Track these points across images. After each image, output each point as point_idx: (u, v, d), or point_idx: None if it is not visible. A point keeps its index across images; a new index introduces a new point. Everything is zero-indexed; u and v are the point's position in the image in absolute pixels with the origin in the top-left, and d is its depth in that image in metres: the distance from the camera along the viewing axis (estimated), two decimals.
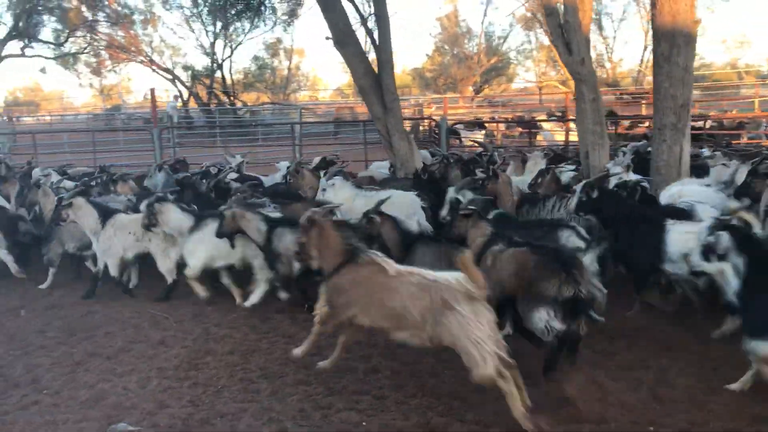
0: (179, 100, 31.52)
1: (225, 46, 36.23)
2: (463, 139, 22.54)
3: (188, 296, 6.99)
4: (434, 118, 21.55)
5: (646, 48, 36.94)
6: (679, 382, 4.75)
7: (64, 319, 6.64)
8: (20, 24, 28.67)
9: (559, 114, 22.96)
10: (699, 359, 5.11)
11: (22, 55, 29.96)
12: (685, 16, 7.30)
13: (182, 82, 37.91)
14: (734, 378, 4.63)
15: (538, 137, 20.69)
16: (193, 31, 35.72)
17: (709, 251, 4.91)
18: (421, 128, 24.52)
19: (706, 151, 9.81)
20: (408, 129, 29.33)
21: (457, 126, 24.35)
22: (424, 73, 69.31)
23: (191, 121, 30.22)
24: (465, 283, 3.99)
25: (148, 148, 14.71)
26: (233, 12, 33.52)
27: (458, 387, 4.77)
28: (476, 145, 20.87)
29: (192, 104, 37.04)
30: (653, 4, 7.54)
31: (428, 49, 71.83)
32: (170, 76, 37.41)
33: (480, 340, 3.97)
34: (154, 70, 37.42)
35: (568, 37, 7.68)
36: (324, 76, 71.39)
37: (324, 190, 7.62)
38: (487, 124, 24.43)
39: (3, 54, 28.44)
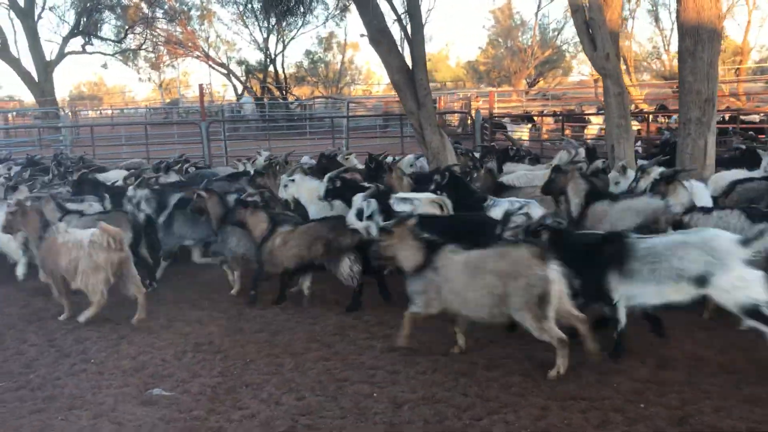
0: (252, 95, 32.37)
1: (278, 41, 36.99)
2: (509, 133, 22.54)
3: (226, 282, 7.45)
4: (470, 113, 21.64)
5: None
6: (678, 364, 4.96)
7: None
8: (82, 22, 29.90)
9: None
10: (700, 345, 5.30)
11: (83, 51, 31.25)
12: (709, 12, 7.40)
13: (237, 77, 38.94)
14: (733, 363, 4.85)
15: (587, 131, 20.66)
16: (247, 26, 36.54)
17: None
18: (468, 122, 24.68)
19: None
20: (456, 123, 29.57)
21: (504, 120, 24.45)
22: (477, 66, 69.01)
23: (244, 115, 31.00)
24: None
25: (199, 141, 15.35)
26: (285, 7, 34.21)
27: (468, 366, 5.08)
28: (521, 139, 21.05)
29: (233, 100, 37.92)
30: (678, 0, 7.65)
31: (482, 42, 71.54)
32: (225, 71, 38.44)
33: None
34: (210, 65, 38.54)
35: (593, 33, 7.85)
36: (378, 69, 71.54)
37: (285, 186, 8.19)
38: (536, 118, 24.40)
39: (66, 51, 29.74)
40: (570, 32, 45.26)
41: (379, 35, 9.41)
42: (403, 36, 9.95)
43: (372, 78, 71.90)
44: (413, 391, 4.70)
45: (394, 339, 5.47)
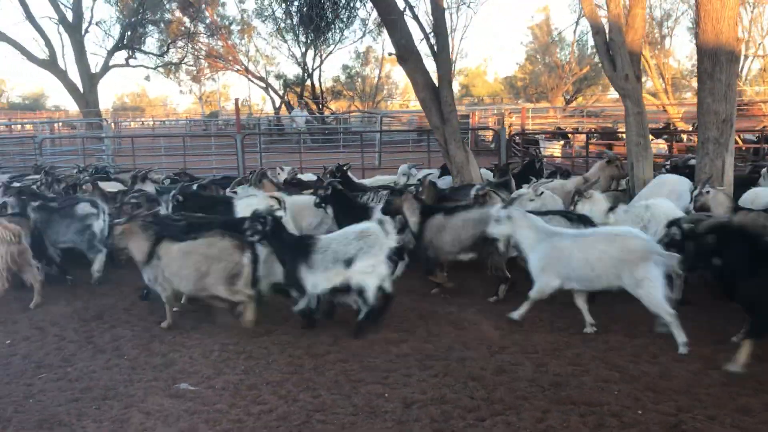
0: (305, 108, 33.04)
1: (315, 55, 37.64)
2: (541, 150, 22.64)
3: None
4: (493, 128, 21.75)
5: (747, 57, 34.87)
6: (677, 373, 5.15)
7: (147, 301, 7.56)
8: (126, 36, 30.95)
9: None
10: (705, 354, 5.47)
11: (127, 65, 32.29)
12: (727, 35, 7.57)
13: (275, 91, 39.68)
14: (731, 375, 5.03)
15: (616, 148, 20.71)
16: (285, 41, 37.25)
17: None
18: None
19: None
20: (489, 139, 29.70)
21: (537, 136, 24.55)
22: (515, 81, 68.94)
23: (282, 128, 31.60)
24: None
25: (235, 153, 15.82)
26: (324, 23, 34.82)
27: (478, 371, 5.34)
28: (553, 156, 21.18)
29: (283, 111, 38.57)
30: (697, 23, 7.83)
31: (520, 58, 71.57)
32: (264, 85, 39.24)
33: None
34: (249, 79, 39.37)
35: (612, 54, 8.07)
36: None
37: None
38: (570, 135, 24.45)
39: (110, 64, 30.79)
40: None
41: (406, 53, 9.75)
42: (429, 53, 10.24)
43: (409, 93, 72.53)
44: (423, 392, 4.97)
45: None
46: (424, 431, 4.36)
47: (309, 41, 36.31)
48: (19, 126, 36.38)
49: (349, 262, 6.06)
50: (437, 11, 9.53)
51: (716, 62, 7.73)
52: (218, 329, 6.56)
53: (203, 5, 35.74)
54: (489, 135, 30.75)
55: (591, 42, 46.05)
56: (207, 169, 15.12)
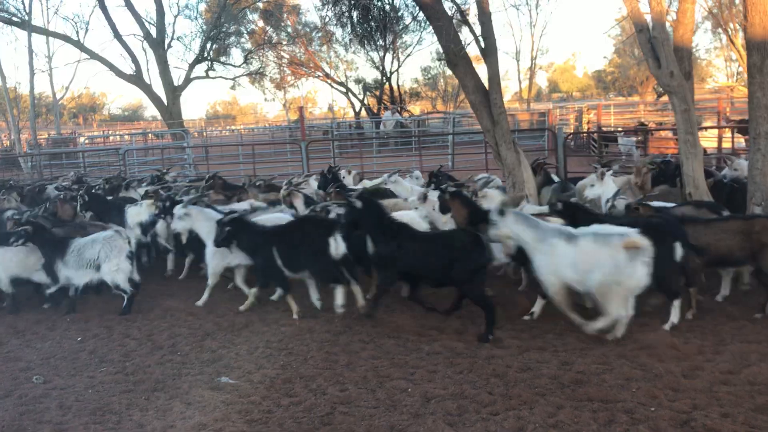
0: (396, 113, 33.66)
1: (393, 58, 38.05)
2: (620, 147, 22.14)
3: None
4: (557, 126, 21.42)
5: None
6: (702, 372, 5.15)
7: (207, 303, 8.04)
8: (206, 49, 32.35)
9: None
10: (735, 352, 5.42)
11: (207, 77, 33.73)
12: None
13: (354, 95, 40.41)
14: (757, 375, 4.99)
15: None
16: (363, 46, 37.80)
17: None
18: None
19: None
20: (570, 138, 29.24)
21: (618, 132, 24.00)
22: (604, 76, 67.27)
23: (362, 132, 32.18)
24: None
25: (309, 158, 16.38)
26: (400, 27, 35.21)
27: (503, 368, 5.50)
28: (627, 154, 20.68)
29: (363, 115, 39.19)
30: (745, 16, 7.66)
31: (608, 52, 69.93)
32: (344, 90, 40.04)
33: None
34: (330, 84, 40.26)
35: (657, 51, 7.99)
36: (502, 82, 71.67)
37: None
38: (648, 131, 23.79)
39: (191, 76, 32.25)
40: (704, 39, 43.05)
41: (455, 58, 9.90)
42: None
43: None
44: (444, 388, 5.18)
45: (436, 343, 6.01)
46: (436, 424, 4.56)
47: (387, 45, 36.74)
48: (117, 137, 38.72)
49: (97, 265, 7.62)
50: (483, 15, 9.64)
51: (765, 55, 7.56)
52: (266, 328, 6.97)
53: (285, 14, 36.91)
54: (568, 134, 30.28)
55: None
56: (272, 176, 15.69)
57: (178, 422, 4.89)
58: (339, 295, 7.12)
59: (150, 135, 36.31)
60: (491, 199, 8.21)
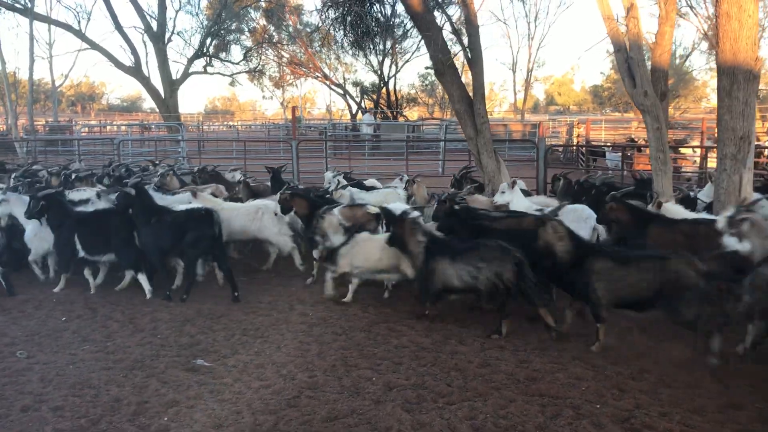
0: (374, 115, 34.09)
1: (391, 63, 38.42)
2: (608, 162, 22.52)
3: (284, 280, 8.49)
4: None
5: None
6: (650, 375, 5.49)
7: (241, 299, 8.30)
8: (205, 45, 32.65)
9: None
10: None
11: (205, 72, 34.03)
12: (745, 55, 7.73)
13: (352, 97, 40.76)
14: (700, 380, 5.33)
15: (680, 162, 20.45)
16: (362, 49, 38.12)
17: None
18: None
19: None
20: (560, 151, 29.52)
21: (606, 147, 24.42)
22: (601, 91, 67.72)
23: (358, 134, 32.53)
24: None
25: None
26: (400, 33, 35.56)
27: (465, 363, 5.81)
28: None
29: (360, 118, 39.49)
30: (717, 42, 8.02)
31: (605, 67, 70.51)
32: (342, 92, 40.38)
33: None
34: (328, 86, 40.60)
35: (632, 71, 8.34)
36: (501, 92, 72.23)
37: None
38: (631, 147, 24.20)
39: (190, 71, 32.54)
40: (699, 60, 43.53)
41: (442, 67, 10.26)
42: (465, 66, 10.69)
43: (494, 99, 72.72)
44: (407, 378, 5.49)
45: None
46: (395, 410, 4.87)
47: (387, 50, 37.07)
48: (114, 127, 38.93)
49: None
50: (471, 27, 10.00)
51: (734, 80, 7.90)
52: (245, 317, 7.26)
53: (287, 14, 37.26)
54: (560, 147, 30.68)
55: (680, 52, 45.20)
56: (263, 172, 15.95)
57: (153, 398, 5.18)
58: (126, 279, 8.28)
59: (146, 127, 36.54)
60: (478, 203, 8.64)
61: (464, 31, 10.35)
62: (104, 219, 8.17)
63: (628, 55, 8.31)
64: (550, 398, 5.08)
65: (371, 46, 35.94)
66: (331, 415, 4.84)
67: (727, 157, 8.10)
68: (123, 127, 34.12)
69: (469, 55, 10.11)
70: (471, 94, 10.37)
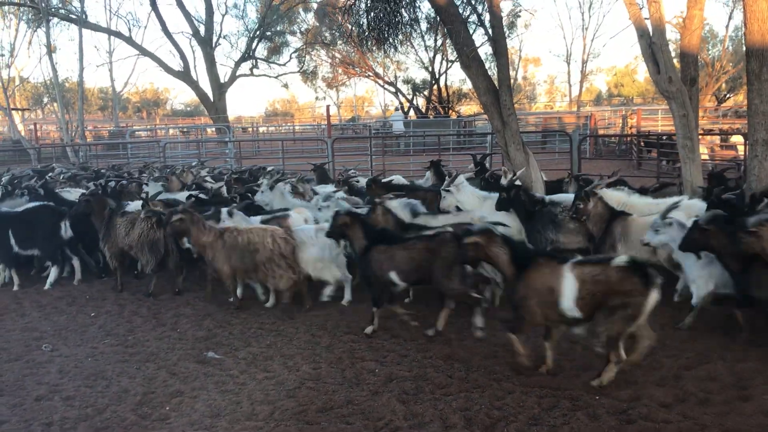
0: (402, 112, 34.24)
1: (442, 60, 38.30)
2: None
3: None
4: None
5: None
6: (661, 367, 5.34)
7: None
8: (251, 47, 33.23)
9: None
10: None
11: (251, 74, 34.64)
12: None
13: (404, 95, 40.86)
14: (713, 371, 5.17)
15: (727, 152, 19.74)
16: (413, 47, 38.10)
17: None
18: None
19: None
20: (615, 142, 28.70)
21: (663, 139, 23.77)
22: None
23: (393, 132, 32.61)
24: None
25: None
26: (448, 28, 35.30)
27: (469, 354, 5.78)
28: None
29: (412, 116, 39.58)
30: (744, 24, 7.73)
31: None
32: (393, 90, 40.51)
33: None
34: (380, 85, 40.80)
35: (656, 57, 8.11)
36: (561, 85, 71.04)
37: None
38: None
39: (237, 74, 33.18)
40: None
41: (469, 60, 10.16)
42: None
43: (554, 92, 71.69)
44: (409, 370, 5.50)
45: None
46: (390, 401, 4.88)
47: (437, 47, 36.96)
48: (164, 131, 40.04)
49: None
50: (495, 18, 9.88)
51: (763, 63, 7.59)
52: (263, 310, 7.38)
53: (337, 14, 37.54)
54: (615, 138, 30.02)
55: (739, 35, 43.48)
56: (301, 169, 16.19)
57: (159, 389, 5.34)
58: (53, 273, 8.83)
59: (191, 130, 37.45)
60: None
61: (488, 22, 10.25)
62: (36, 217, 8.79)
63: (651, 41, 8.09)
64: (550, 389, 5.00)
65: (393, 44, 35.95)
66: (327, 406, 4.89)
67: (758, 142, 7.79)
68: (171, 131, 35.03)
69: (494, 46, 9.99)
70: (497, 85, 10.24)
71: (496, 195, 8.19)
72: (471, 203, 8.61)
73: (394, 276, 6.33)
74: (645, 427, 4.37)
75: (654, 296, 4.75)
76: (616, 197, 7.59)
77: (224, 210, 7.97)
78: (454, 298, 6.30)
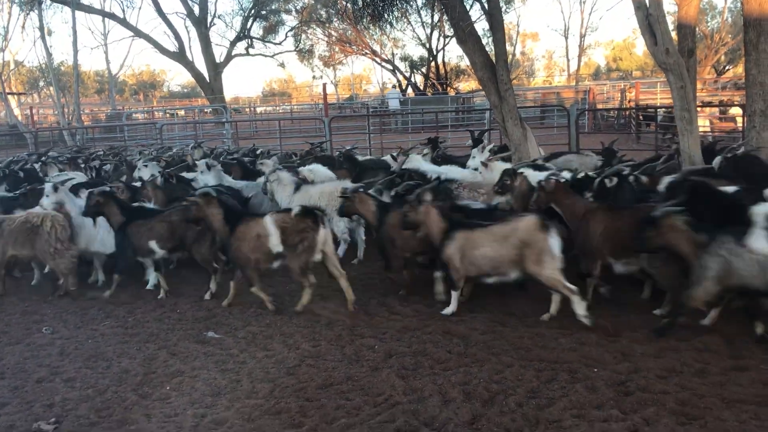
0: (399, 89, 34.09)
1: (439, 36, 38.02)
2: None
3: None
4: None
5: None
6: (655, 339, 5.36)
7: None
8: (246, 26, 32.98)
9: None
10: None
11: (247, 54, 34.41)
12: None
13: (401, 72, 40.62)
14: (709, 344, 5.19)
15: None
16: (410, 23, 37.76)
17: None
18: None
19: None
20: (614, 116, 28.63)
21: (660, 111, 23.65)
22: None
23: (390, 110, 32.48)
24: None
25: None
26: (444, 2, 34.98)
27: (469, 331, 5.79)
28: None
29: (410, 93, 39.36)
30: None
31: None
32: (391, 67, 40.27)
33: None
34: (377, 62, 40.53)
35: (653, 29, 8.02)
36: (560, 60, 70.48)
37: None
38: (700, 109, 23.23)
39: (233, 53, 32.96)
40: None
41: (465, 35, 10.09)
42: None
43: (552, 68, 71.29)
44: (409, 346, 5.52)
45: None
46: (389, 376, 4.91)
47: (434, 23, 36.64)
48: (160, 113, 39.89)
49: None
50: None
51: (761, 32, 7.57)
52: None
53: None
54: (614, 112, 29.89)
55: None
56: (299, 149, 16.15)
57: (160, 369, 5.36)
58: None
59: (188, 111, 37.31)
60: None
61: None
62: None
63: (648, 12, 8.00)
64: (548, 363, 5.02)
65: (397, 17, 35.65)
66: (327, 383, 4.92)
67: (756, 113, 7.79)
68: (167, 113, 34.91)
69: (489, 21, 9.92)
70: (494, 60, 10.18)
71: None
72: None
73: (154, 245, 7.28)
74: (643, 398, 4.39)
75: (322, 232, 6.38)
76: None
77: (48, 186, 8.14)
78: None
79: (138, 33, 30.54)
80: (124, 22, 30.39)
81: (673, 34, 9.69)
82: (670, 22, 9.41)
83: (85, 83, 61.48)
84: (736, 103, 21.62)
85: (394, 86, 38.09)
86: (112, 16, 30.75)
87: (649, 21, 8.06)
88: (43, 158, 12.49)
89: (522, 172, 7.36)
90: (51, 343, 6.13)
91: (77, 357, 5.73)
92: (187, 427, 4.39)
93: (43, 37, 25.08)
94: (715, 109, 21.49)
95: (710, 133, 18.00)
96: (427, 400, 4.54)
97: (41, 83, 46.56)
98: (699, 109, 21.22)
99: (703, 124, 18.73)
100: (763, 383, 4.53)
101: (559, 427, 4.11)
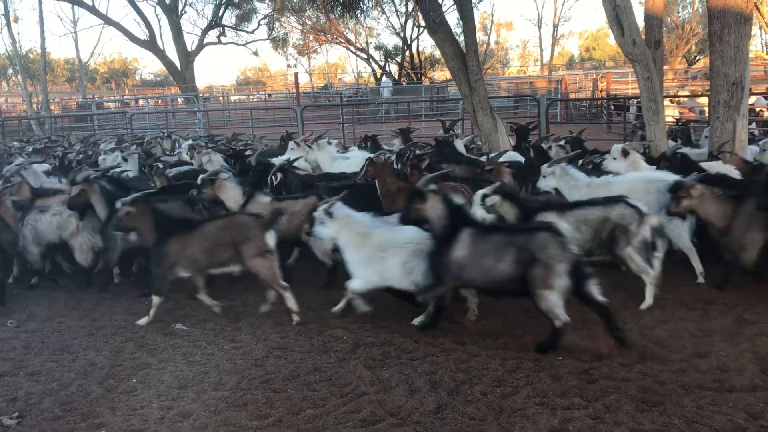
0: (390, 79, 33.99)
1: (414, 25, 37.93)
2: (631, 116, 22.01)
3: None
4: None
5: None
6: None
7: None
8: (218, 14, 32.62)
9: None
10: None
11: (219, 42, 34.04)
12: None
13: (376, 61, 40.46)
14: (678, 334, 5.28)
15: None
16: (384, 12, 37.62)
17: None
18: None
19: None
20: (586, 106, 28.79)
21: (630, 102, 23.87)
22: None
23: (384, 99, 32.39)
24: None
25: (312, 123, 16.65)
26: None
27: (443, 322, 5.81)
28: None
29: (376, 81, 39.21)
30: None
31: (639, 20, 68.80)
32: (365, 56, 40.10)
33: None
34: (352, 51, 40.36)
35: (620, 20, 8.11)
36: (534, 50, 70.76)
37: None
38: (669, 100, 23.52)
39: (204, 42, 32.58)
40: None
41: (435, 25, 10.11)
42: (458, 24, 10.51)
43: (526, 58, 71.63)
44: (376, 337, 5.54)
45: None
46: (356, 367, 4.93)
47: (409, 12, 36.52)
48: (133, 101, 39.35)
49: None
50: None
51: (725, 24, 7.68)
52: (233, 288, 7.32)
53: None
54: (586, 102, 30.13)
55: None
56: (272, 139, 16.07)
57: (126, 362, 5.33)
58: None
59: (160, 100, 36.87)
60: None
61: None
62: None
63: (615, 3, 8.08)
64: (514, 352, 5.09)
65: (370, 6, 35.47)
66: (294, 374, 4.93)
67: (720, 104, 7.91)
68: (140, 102, 34.46)
69: (460, 11, 9.94)
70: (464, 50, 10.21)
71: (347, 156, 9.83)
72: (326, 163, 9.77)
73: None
74: (606, 386, 4.46)
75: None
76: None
77: None
78: None
79: (108, 21, 30.04)
80: (93, 10, 29.83)
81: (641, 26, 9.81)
82: (639, 13, 9.52)
83: (55, 71, 60.50)
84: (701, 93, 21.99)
85: (388, 75, 37.89)
86: (80, 3, 30.18)
87: (617, 12, 8.15)
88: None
89: None
90: (15, 336, 6.05)
91: (42, 350, 5.67)
92: (153, 420, 4.37)
93: (8, 24, 24.60)
94: (684, 99, 21.79)
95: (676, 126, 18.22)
96: (394, 390, 4.57)
97: (9, 71, 45.71)
98: (667, 101, 21.64)
99: (673, 113, 19.00)
100: (721, 369, 4.63)
101: (523, 414, 4.16)
